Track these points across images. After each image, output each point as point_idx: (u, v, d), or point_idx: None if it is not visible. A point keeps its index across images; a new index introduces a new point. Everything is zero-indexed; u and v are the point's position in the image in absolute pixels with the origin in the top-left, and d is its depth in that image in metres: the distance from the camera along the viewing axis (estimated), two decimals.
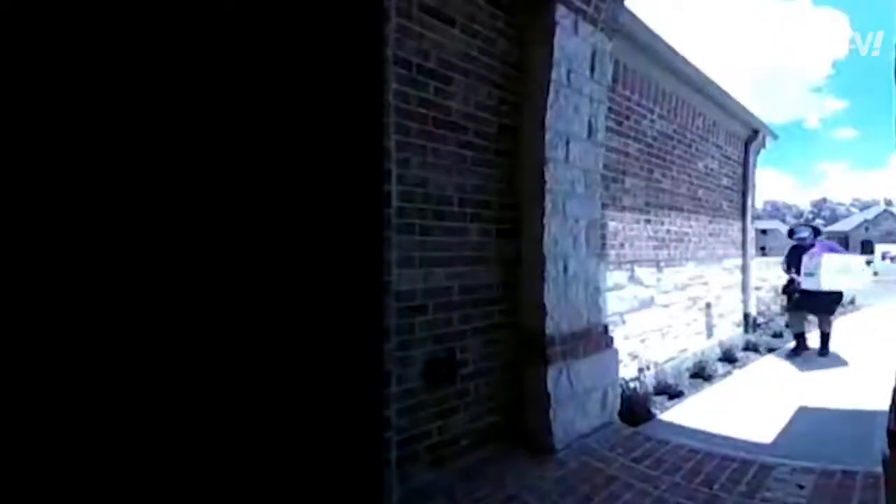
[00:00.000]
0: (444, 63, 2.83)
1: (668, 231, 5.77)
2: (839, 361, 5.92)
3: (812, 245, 6.56)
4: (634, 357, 5.00)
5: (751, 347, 6.64)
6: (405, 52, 2.65)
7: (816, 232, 6.93)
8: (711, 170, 6.79)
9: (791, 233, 6.94)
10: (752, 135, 7.79)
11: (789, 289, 6.63)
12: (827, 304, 6.33)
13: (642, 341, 5.17)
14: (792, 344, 6.64)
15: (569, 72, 3.30)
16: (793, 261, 6.60)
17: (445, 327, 2.86)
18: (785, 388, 4.88)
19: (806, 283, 6.22)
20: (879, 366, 4.98)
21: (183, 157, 2.01)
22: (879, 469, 2.34)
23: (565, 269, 3.32)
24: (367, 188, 2.44)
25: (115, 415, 1.86)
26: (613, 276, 4.82)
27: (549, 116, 3.19)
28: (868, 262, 7.13)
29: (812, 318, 6.59)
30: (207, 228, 2.06)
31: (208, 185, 2.07)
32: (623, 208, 4.97)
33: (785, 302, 7.16)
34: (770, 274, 8.92)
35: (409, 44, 2.67)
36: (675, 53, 5.36)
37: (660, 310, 5.52)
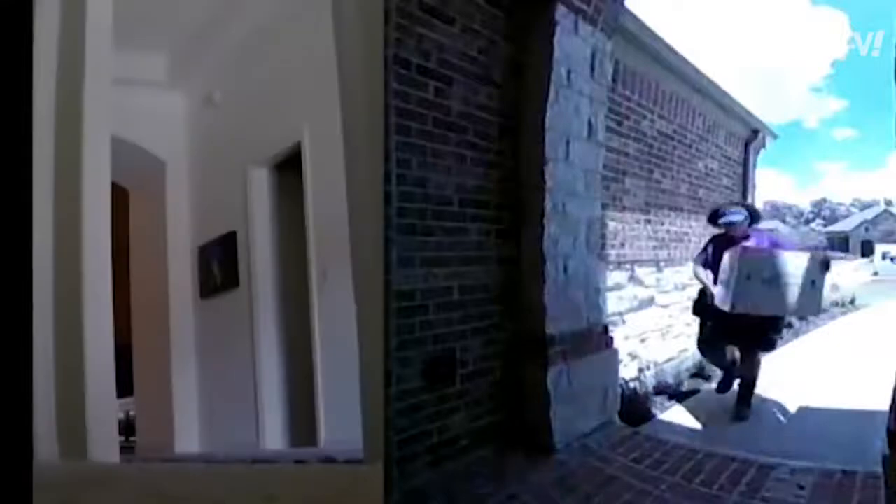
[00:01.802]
0: (444, 63, 2.83)
1: (669, 231, 5.77)
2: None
3: (745, 236, 4.02)
4: (634, 357, 4.99)
5: None
6: (405, 52, 2.65)
7: (754, 216, 4.25)
8: (711, 170, 6.79)
9: (716, 215, 4.20)
10: (752, 135, 7.79)
11: (701, 307, 4.17)
12: (762, 331, 3.98)
13: (642, 341, 5.17)
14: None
15: (569, 72, 3.29)
16: (713, 259, 4.03)
17: (445, 327, 2.86)
18: (784, 388, 4.87)
19: (721, 299, 3.76)
20: (879, 366, 4.98)
21: None
22: (879, 469, 2.34)
23: (565, 269, 3.32)
24: None
25: None
26: (613, 276, 4.82)
27: (549, 116, 3.19)
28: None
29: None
30: None
31: None
32: (623, 208, 4.97)
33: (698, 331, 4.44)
34: None
35: (409, 44, 2.66)
36: (675, 53, 5.35)
37: (660, 310, 5.52)
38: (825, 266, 3.83)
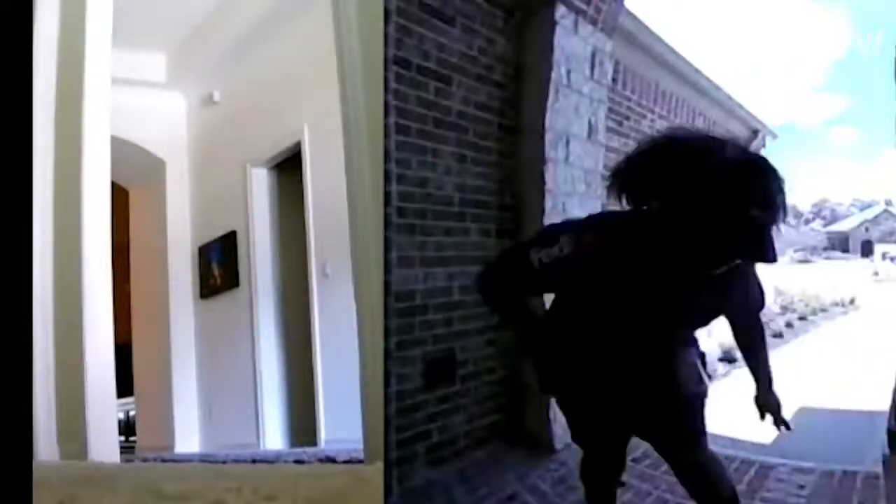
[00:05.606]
0: (444, 63, 2.83)
1: None
2: None
3: None
4: None
5: None
6: (405, 52, 2.65)
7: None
8: None
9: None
10: (751, 135, 7.79)
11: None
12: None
13: None
14: None
15: (568, 72, 3.29)
16: None
17: (445, 327, 2.86)
18: (785, 388, 4.87)
19: None
20: (879, 366, 4.98)
21: None
22: (879, 469, 2.34)
23: None
24: None
25: None
26: None
27: (549, 116, 3.19)
28: None
29: None
30: None
31: None
32: (623, 208, 4.96)
33: None
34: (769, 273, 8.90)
35: (409, 44, 2.67)
36: (675, 53, 5.35)
37: None
38: None
